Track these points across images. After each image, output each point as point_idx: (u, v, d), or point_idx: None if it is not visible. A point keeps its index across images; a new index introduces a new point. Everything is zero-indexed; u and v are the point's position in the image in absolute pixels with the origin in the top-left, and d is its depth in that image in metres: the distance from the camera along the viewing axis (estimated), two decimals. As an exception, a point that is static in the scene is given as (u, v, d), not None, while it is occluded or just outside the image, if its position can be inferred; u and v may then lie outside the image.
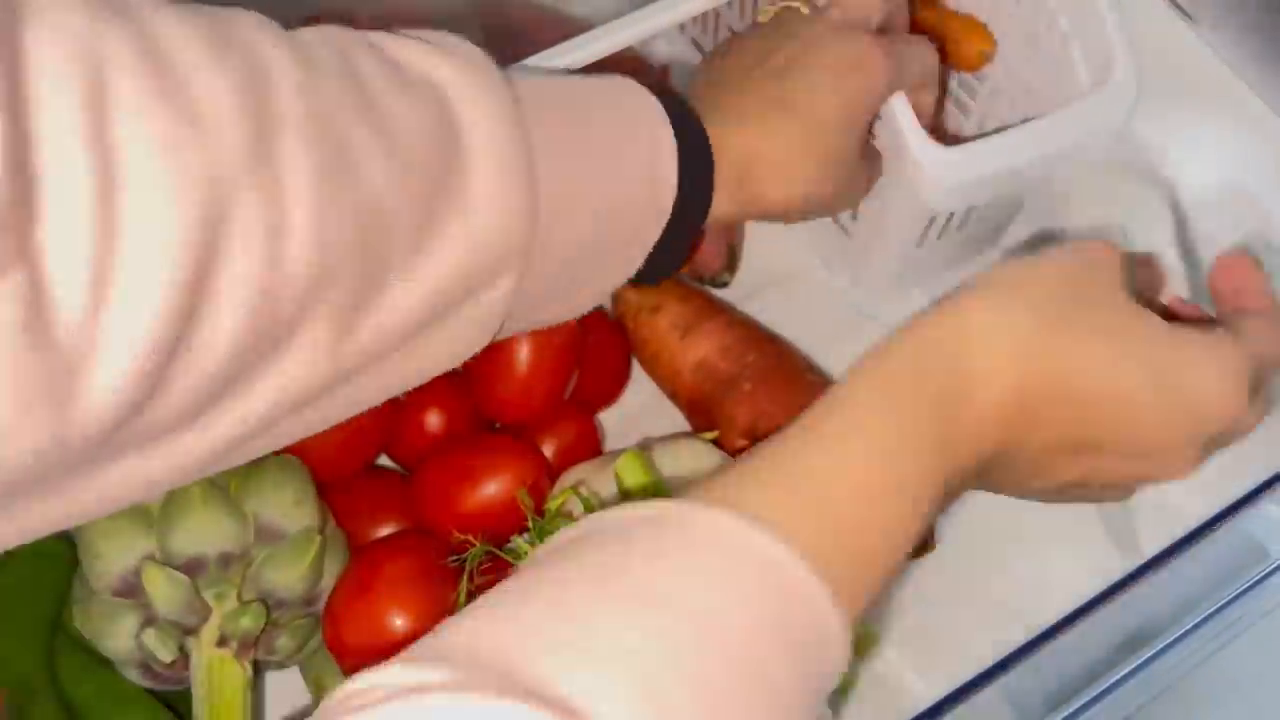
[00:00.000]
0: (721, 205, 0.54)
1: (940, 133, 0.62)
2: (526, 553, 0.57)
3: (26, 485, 0.36)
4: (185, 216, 0.36)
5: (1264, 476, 0.60)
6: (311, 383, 0.42)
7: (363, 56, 0.44)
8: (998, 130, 0.66)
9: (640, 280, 0.55)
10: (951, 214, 0.65)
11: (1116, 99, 0.63)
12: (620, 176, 0.51)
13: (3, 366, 0.33)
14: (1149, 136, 0.69)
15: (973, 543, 0.65)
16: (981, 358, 0.39)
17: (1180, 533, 0.57)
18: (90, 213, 0.35)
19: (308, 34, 0.43)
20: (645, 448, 0.62)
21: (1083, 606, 0.56)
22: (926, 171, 0.61)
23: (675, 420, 0.69)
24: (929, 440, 0.38)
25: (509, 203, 0.45)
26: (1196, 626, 0.55)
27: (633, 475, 0.58)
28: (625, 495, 0.59)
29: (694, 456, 0.62)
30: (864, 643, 0.63)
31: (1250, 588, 0.55)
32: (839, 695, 0.62)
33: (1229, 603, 0.55)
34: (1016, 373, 0.40)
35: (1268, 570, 0.56)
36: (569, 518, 0.58)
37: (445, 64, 0.46)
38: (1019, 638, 0.56)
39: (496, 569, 0.60)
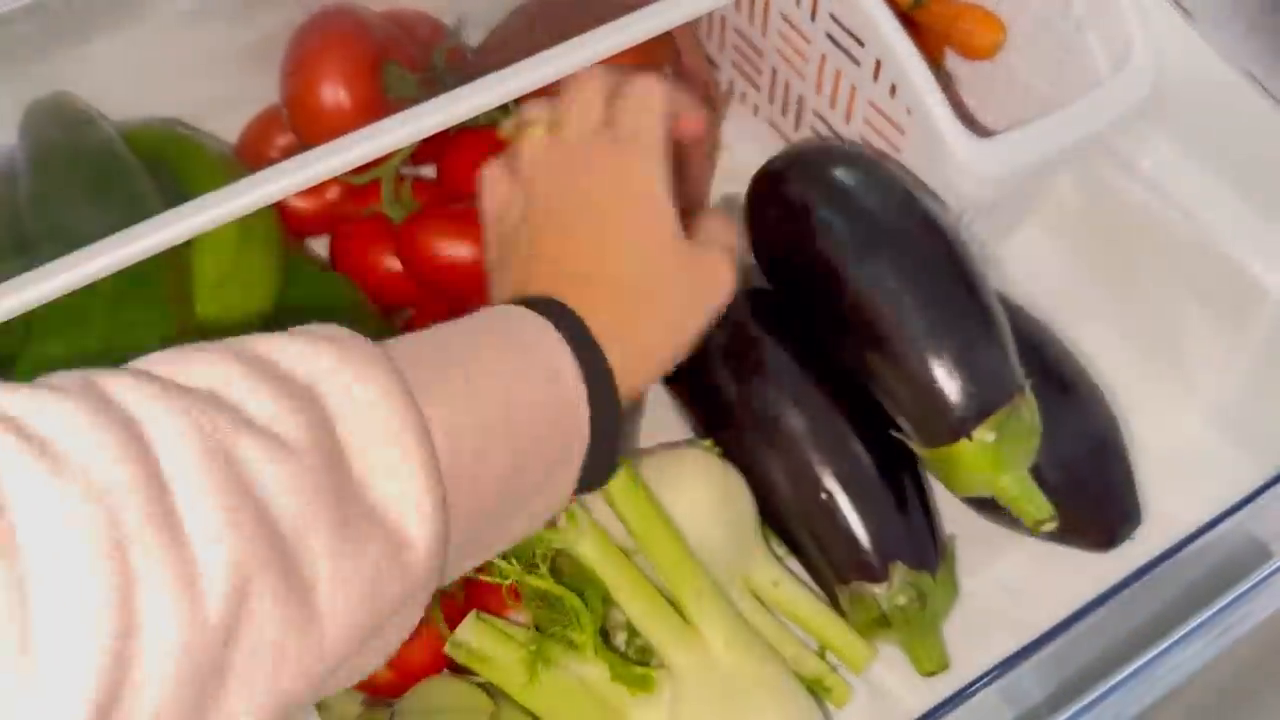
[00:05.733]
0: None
1: (962, 120, 0.63)
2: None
3: None
4: (101, 589, 0.34)
5: (1266, 476, 0.60)
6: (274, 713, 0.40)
7: (235, 376, 0.41)
8: (1018, 118, 0.66)
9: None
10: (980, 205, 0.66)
11: (1137, 81, 0.63)
12: (519, 418, 0.48)
13: None
14: (1149, 134, 0.69)
15: (972, 542, 0.65)
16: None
17: (1182, 532, 0.57)
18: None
19: (174, 375, 0.41)
20: (645, 454, 0.62)
21: (1084, 607, 0.55)
22: (963, 163, 0.61)
23: (676, 427, 0.68)
24: None
25: (411, 486, 0.42)
26: (1199, 627, 0.54)
27: (618, 485, 0.58)
28: (611, 504, 0.59)
29: (694, 464, 0.62)
30: (862, 649, 0.62)
31: (1253, 588, 0.55)
32: (837, 702, 0.62)
33: (1232, 603, 0.55)
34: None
35: (1271, 570, 0.55)
36: (555, 524, 0.58)
37: (319, 358, 0.43)
38: (1017, 640, 0.55)
39: (485, 570, 0.60)
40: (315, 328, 0.45)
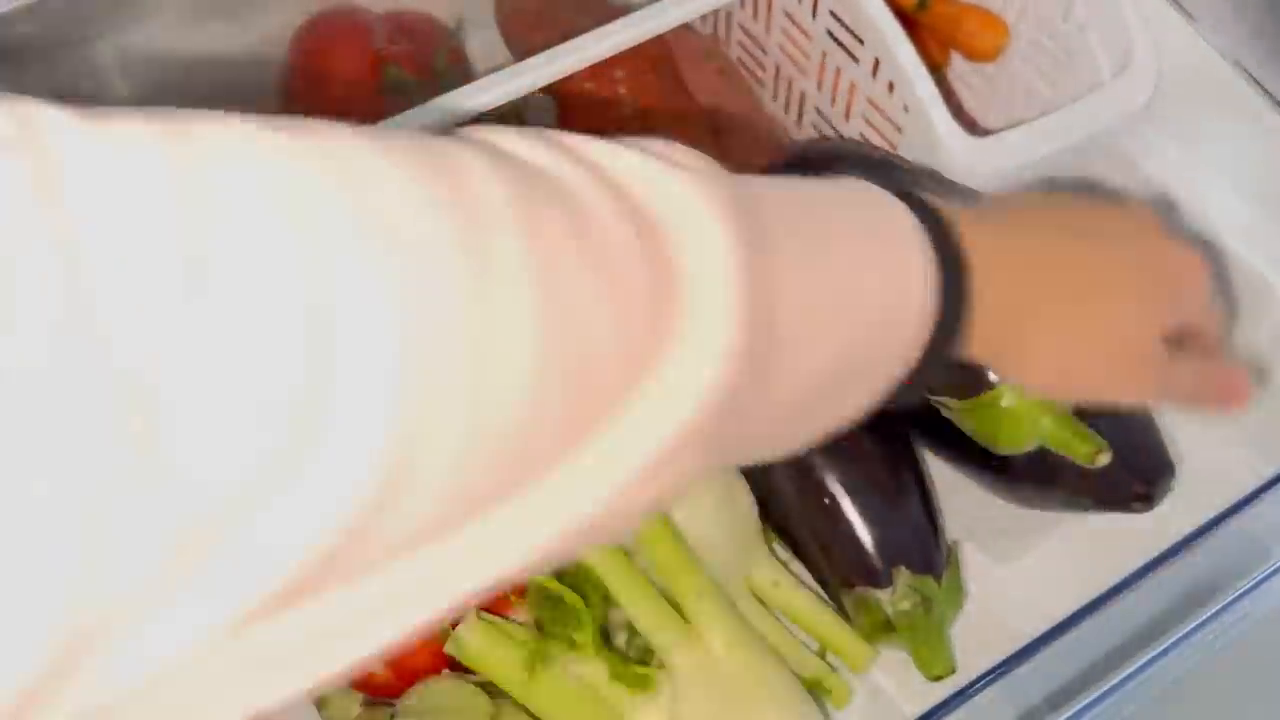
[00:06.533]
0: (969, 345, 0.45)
1: (966, 121, 0.63)
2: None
3: None
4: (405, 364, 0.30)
5: (1266, 476, 0.60)
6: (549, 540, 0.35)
7: (583, 183, 0.36)
8: (1021, 120, 0.66)
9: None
10: (978, 204, 0.66)
11: (1138, 84, 0.63)
12: (861, 305, 0.42)
13: None
14: (1150, 136, 0.69)
15: (975, 546, 0.65)
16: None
17: (1182, 533, 0.57)
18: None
19: (527, 150, 0.36)
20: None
21: (1085, 607, 0.55)
22: (958, 161, 0.61)
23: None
24: None
25: (731, 349, 0.37)
26: (1199, 627, 0.54)
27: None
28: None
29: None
30: (862, 650, 0.62)
31: (1253, 588, 0.55)
32: (837, 703, 0.62)
33: (1231, 603, 0.55)
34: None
35: (1270, 571, 0.55)
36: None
37: (671, 186, 0.38)
38: (1019, 639, 0.55)
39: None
40: (668, 149, 0.39)
